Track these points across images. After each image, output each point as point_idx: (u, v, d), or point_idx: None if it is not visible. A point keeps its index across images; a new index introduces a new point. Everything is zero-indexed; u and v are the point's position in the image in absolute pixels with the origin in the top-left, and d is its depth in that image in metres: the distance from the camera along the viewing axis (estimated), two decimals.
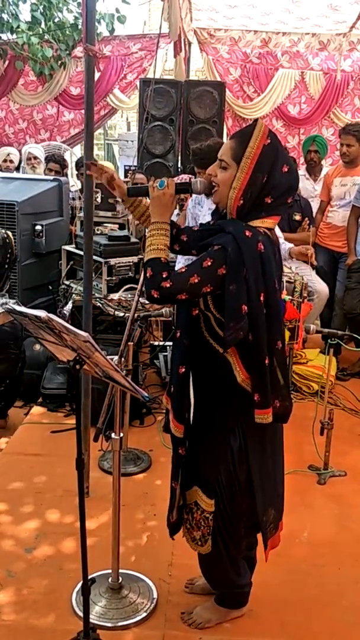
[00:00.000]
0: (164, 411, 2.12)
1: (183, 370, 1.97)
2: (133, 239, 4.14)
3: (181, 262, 3.86)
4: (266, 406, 1.88)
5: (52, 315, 1.72)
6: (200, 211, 3.88)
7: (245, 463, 1.96)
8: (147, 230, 1.96)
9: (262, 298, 1.80)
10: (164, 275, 1.81)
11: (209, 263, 1.79)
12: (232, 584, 2.21)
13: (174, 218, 5.08)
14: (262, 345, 1.83)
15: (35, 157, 6.00)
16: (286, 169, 1.86)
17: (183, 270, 1.82)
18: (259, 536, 2.21)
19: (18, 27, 7.01)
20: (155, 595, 2.37)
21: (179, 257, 4.00)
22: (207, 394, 2.03)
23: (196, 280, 1.78)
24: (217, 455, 1.98)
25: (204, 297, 1.86)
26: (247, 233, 1.80)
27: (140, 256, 3.96)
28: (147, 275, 1.84)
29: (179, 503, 2.10)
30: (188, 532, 2.12)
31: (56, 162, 5.89)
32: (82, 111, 2.83)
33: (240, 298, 1.78)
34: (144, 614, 2.28)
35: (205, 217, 3.67)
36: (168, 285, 1.80)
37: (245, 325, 1.79)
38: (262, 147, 1.82)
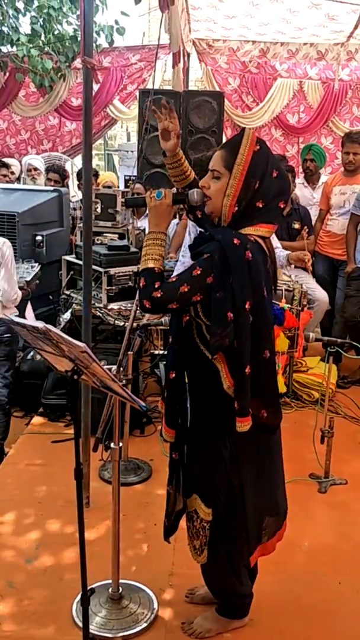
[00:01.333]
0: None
1: (174, 375, 1.99)
2: (133, 249, 4.15)
3: (177, 270, 3.88)
4: (244, 414, 1.87)
5: (49, 326, 1.73)
6: None
7: (237, 473, 1.96)
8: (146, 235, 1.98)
9: (247, 306, 1.81)
10: (156, 286, 1.83)
11: (198, 272, 1.81)
12: (234, 593, 2.21)
13: (173, 227, 5.14)
14: (245, 352, 1.84)
15: (36, 169, 6.04)
16: (276, 174, 1.89)
17: (174, 279, 1.84)
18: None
19: (18, 39, 7.06)
20: (155, 606, 2.36)
21: (177, 265, 4.01)
22: (199, 401, 2.04)
23: (186, 290, 1.80)
24: (210, 464, 1.98)
25: (195, 305, 1.87)
26: (235, 241, 1.81)
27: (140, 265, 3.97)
28: (140, 285, 1.86)
29: (176, 508, 2.10)
30: (190, 540, 2.13)
31: (56, 172, 5.92)
32: None
33: (226, 305, 1.79)
34: (145, 624, 2.27)
35: None
36: (159, 295, 1.82)
37: (232, 332, 1.80)
38: (252, 153, 1.85)
